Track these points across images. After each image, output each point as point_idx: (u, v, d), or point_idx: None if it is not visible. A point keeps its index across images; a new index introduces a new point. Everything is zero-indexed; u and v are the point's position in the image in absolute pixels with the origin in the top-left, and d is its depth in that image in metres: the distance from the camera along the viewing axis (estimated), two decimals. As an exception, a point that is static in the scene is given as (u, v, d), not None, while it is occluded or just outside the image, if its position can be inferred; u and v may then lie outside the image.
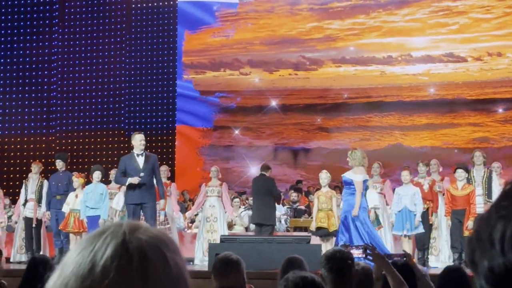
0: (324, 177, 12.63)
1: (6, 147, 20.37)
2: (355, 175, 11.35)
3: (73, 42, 21.74)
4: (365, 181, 11.54)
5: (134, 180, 10.78)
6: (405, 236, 12.14)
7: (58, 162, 13.57)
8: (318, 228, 12.23)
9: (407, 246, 11.95)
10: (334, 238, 11.96)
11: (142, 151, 11.06)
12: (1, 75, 20.62)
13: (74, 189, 12.84)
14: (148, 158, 11.10)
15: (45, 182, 13.53)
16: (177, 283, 1.22)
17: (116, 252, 1.19)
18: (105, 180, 13.49)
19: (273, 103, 22.32)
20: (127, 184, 11.00)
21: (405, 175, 12.43)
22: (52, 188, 13.29)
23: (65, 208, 12.70)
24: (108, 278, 1.16)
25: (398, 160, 17.47)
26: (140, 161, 11.01)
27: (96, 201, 12.36)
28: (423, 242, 12.37)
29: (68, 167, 14.06)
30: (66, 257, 1.24)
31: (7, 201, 16.06)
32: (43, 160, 16.27)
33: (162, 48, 22.25)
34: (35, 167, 13.75)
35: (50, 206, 13.25)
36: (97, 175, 12.73)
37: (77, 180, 12.84)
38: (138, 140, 11.13)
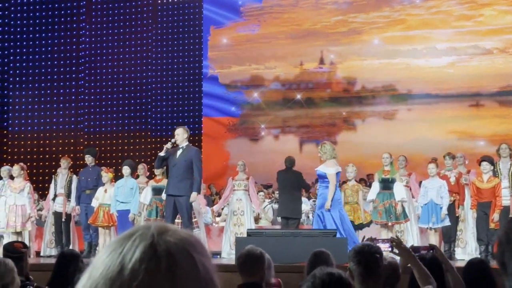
0: (351, 170, 12.64)
1: (35, 142, 20.50)
2: (328, 168, 11.42)
3: (100, 38, 21.86)
4: (338, 174, 11.57)
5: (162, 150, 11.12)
6: (431, 229, 12.08)
7: (88, 157, 13.67)
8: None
9: (434, 239, 11.90)
10: (360, 231, 11.96)
11: (182, 144, 11.14)
12: (30, 71, 20.76)
13: (103, 184, 12.93)
14: (187, 151, 11.17)
15: (74, 177, 13.60)
16: (206, 285, 1.22)
17: (144, 254, 1.19)
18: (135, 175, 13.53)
19: (298, 96, 22.31)
20: (159, 158, 11.29)
21: (431, 167, 12.35)
22: (82, 182, 13.39)
23: (94, 203, 12.79)
24: (136, 281, 1.17)
25: (423, 153, 17.36)
26: (178, 153, 11.11)
27: (127, 195, 12.47)
28: (449, 235, 12.29)
29: (97, 162, 14.08)
30: (95, 259, 1.25)
31: (36, 195, 16.16)
32: (71, 155, 16.34)
33: (188, 43, 22.31)
34: (64, 162, 13.81)
35: (80, 200, 13.35)
36: (126, 170, 12.81)
37: (106, 175, 12.93)
38: (175, 133, 11.26)
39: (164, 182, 12.28)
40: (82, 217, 13.37)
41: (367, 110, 21.65)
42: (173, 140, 11.20)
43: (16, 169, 13.18)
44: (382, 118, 21.51)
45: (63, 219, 13.40)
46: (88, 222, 12.90)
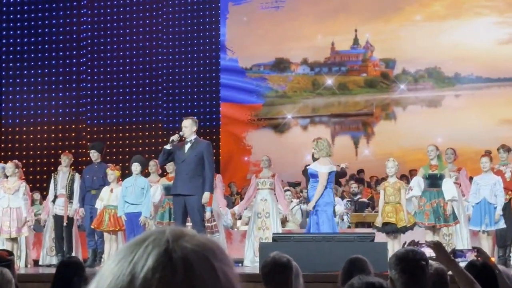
0: (391, 165, 12.47)
1: (31, 136, 20.48)
2: (321, 166, 11.40)
3: (104, 24, 21.88)
4: (331, 173, 11.54)
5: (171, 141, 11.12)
6: (484, 232, 11.98)
7: (93, 152, 13.44)
8: (385, 224, 12.11)
9: (486, 244, 11.78)
10: (402, 235, 11.89)
11: (190, 137, 11.05)
12: (25, 56, 20.76)
13: (109, 183, 12.74)
14: (196, 145, 11.04)
15: (77, 176, 13.44)
16: None
17: (158, 262, 1.20)
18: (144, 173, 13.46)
19: (329, 81, 22.30)
20: (164, 152, 11.23)
21: (484, 161, 12.18)
22: (86, 182, 13.19)
23: (99, 204, 12.55)
24: (150, 291, 1.18)
25: (474, 145, 17.29)
26: (187, 147, 11.06)
27: (137, 196, 12.11)
28: (504, 239, 12.13)
29: (103, 158, 13.93)
30: (102, 268, 1.26)
31: (37, 195, 16.15)
32: (73, 151, 16.34)
33: (204, 22, 22.31)
34: (65, 159, 13.63)
35: (84, 202, 13.14)
36: (135, 167, 12.43)
37: (112, 172, 12.63)
38: (183, 125, 11.18)
39: None
40: (86, 220, 13.20)
41: (409, 96, 21.62)
42: (181, 133, 11.08)
43: (9, 166, 13.14)
44: (426, 106, 21.48)
45: (64, 224, 13.29)
46: (92, 226, 12.73)
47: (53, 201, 13.48)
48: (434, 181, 12.27)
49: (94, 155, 13.48)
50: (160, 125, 21.52)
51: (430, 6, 21.55)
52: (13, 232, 12.66)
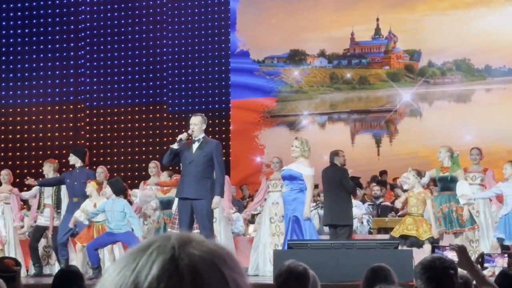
0: (412, 173, 12.42)
1: (26, 118, 20.31)
2: (305, 168, 11.39)
3: (104, 7, 21.95)
4: (313, 176, 11.57)
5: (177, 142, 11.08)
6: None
7: (71, 156, 13.16)
8: (404, 236, 12.06)
9: None
10: (427, 246, 11.84)
11: (199, 137, 11.02)
12: (19, 40, 20.71)
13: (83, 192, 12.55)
14: (204, 145, 11.00)
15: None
16: None
17: (163, 271, 1.20)
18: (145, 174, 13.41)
19: (348, 75, 22.33)
20: (170, 152, 11.15)
21: (507, 168, 12.10)
22: (68, 187, 12.97)
23: (81, 217, 12.29)
24: (155, 302, 1.18)
25: (506, 144, 17.26)
26: (194, 147, 11.02)
27: (118, 220, 11.96)
28: None
29: (87, 164, 13.55)
30: (104, 276, 1.26)
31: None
32: (70, 134, 16.24)
33: (212, 11, 22.35)
34: (49, 167, 13.56)
35: (67, 210, 12.91)
36: (110, 190, 12.16)
37: (89, 185, 12.44)
38: (191, 122, 11.13)
39: (172, 192, 12.25)
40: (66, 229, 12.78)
41: (436, 91, 21.62)
42: (189, 131, 10.99)
43: (4, 174, 13.33)
44: (454, 101, 21.47)
45: (49, 235, 13.32)
46: (75, 239, 12.55)
47: (41, 210, 13.43)
48: (445, 184, 12.26)
49: (71, 159, 13.17)
50: (165, 115, 21.54)
51: (455, -5, 21.56)
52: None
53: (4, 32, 20.64)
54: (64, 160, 14.21)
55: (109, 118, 21.34)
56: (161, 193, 13.06)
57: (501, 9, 21.17)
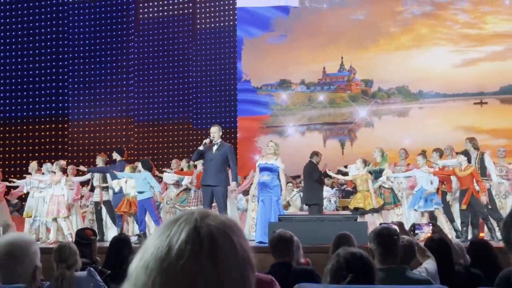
0: (359, 166, 12.49)
1: (92, 128, 20.16)
2: (280, 164, 11.31)
3: (147, 49, 21.84)
4: None
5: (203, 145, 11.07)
6: (416, 211, 11.86)
7: (114, 154, 13.39)
8: (356, 208, 12.12)
9: (443, 219, 11.61)
10: (373, 215, 11.87)
11: (217, 141, 11.09)
12: (87, 73, 20.47)
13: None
14: (221, 147, 11.06)
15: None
16: (243, 263, 1.22)
17: (189, 236, 1.19)
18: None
19: (321, 97, 22.28)
20: (198, 152, 11.19)
21: (420, 159, 12.13)
22: (111, 174, 12.92)
23: (116, 187, 12.61)
24: (182, 259, 1.17)
25: (434, 147, 17.22)
26: (214, 148, 11.03)
27: (141, 185, 12.00)
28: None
29: (124, 158, 13.54)
30: (147, 241, 1.25)
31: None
32: (124, 146, 16.19)
33: (225, 52, 22.27)
34: (99, 159, 13.58)
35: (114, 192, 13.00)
36: (140, 166, 12.36)
37: (126, 168, 12.53)
38: (211, 131, 11.21)
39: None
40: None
41: (383, 108, 21.57)
42: (211, 137, 11.06)
43: (70, 168, 13.34)
44: (396, 116, 21.42)
45: (98, 208, 13.24)
46: (116, 211, 12.61)
47: (92, 190, 13.46)
48: (376, 175, 12.33)
49: (114, 155, 13.38)
50: (191, 131, 21.47)
51: (398, 38, 21.52)
52: (54, 214, 12.57)
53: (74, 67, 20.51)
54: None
55: (151, 129, 21.22)
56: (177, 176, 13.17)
57: (429, 50, 21.16)
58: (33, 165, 13.58)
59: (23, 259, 3.08)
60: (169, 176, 13.44)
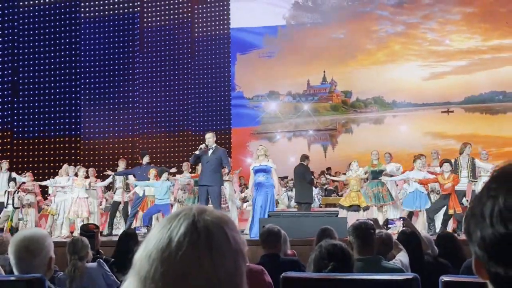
0: (355, 168, 12.43)
1: (101, 141, 20.06)
2: (273, 164, 11.33)
3: (151, 64, 21.79)
4: None
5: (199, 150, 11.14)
6: (420, 210, 11.83)
7: (145, 157, 13.32)
8: (351, 206, 12.11)
9: (421, 218, 11.59)
10: (363, 212, 11.83)
11: (212, 146, 11.12)
12: (97, 91, 20.41)
13: (148, 178, 12.50)
14: (216, 151, 11.07)
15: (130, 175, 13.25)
16: (236, 254, 1.22)
17: (187, 230, 1.19)
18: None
19: (306, 107, 22.30)
20: (195, 156, 11.27)
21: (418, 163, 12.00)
22: (138, 176, 12.90)
23: (140, 192, 12.56)
24: (181, 250, 1.17)
25: (406, 150, 17.23)
26: (210, 152, 11.04)
27: (162, 194, 12.05)
28: (429, 215, 11.87)
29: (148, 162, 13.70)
30: (149, 233, 1.26)
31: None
32: (130, 156, 16.19)
33: (219, 67, 22.22)
34: (121, 163, 13.75)
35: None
36: (164, 176, 12.30)
37: (151, 172, 12.50)
38: (206, 138, 11.24)
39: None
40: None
41: (361, 117, 21.61)
42: (206, 143, 11.10)
43: (92, 173, 13.30)
44: (373, 123, 21.46)
45: (121, 207, 13.29)
46: (139, 209, 12.56)
47: (114, 191, 13.45)
48: (375, 175, 12.18)
49: (144, 159, 13.29)
50: (190, 133, 21.41)
51: (374, 54, 21.58)
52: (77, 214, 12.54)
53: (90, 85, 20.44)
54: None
55: (154, 140, 21.14)
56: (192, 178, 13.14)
57: (402, 65, 21.23)
58: (64, 168, 13.57)
59: (39, 252, 3.09)
60: (183, 180, 13.33)
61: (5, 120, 16.94)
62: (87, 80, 19.83)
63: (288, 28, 22.70)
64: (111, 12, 20.08)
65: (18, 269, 3.10)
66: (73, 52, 18.33)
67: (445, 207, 11.03)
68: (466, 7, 20.74)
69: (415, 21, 21.23)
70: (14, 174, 13.37)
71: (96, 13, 20.03)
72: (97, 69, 20.30)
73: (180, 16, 21.73)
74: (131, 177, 12.92)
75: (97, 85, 20.21)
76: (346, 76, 21.84)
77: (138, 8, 20.34)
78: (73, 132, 18.29)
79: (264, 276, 4.41)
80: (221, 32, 22.26)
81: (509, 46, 20.14)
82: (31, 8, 17.94)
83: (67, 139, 18.17)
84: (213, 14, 22.32)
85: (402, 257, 4.98)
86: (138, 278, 1.19)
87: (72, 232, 12.21)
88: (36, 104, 18.13)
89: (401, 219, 6.37)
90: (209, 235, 1.20)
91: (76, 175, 12.88)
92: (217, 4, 22.28)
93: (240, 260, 1.24)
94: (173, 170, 13.45)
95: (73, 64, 18.36)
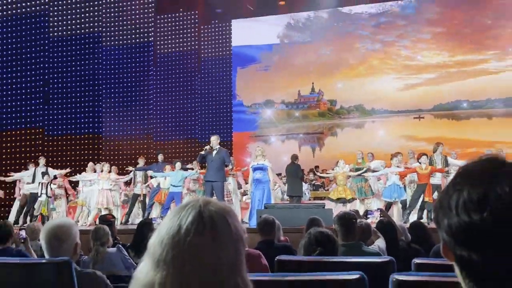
0: (342, 165, 12.47)
1: (121, 142, 19.94)
2: (269, 163, 11.37)
3: (165, 77, 21.75)
4: None
5: (203, 151, 11.13)
6: (395, 201, 11.78)
7: (160, 156, 13.44)
8: (338, 198, 12.12)
9: (396, 208, 11.58)
10: (348, 204, 11.83)
11: (216, 147, 11.11)
12: (117, 104, 20.31)
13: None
14: (220, 151, 11.07)
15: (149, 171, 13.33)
16: (236, 240, 1.22)
17: (194, 219, 1.19)
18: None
19: (297, 114, 22.30)
20: (200, 155, 11.28)
21: (394, 160, 12.01)
22: (155, 171, 12.97)
23: (155, 184, 12.66)
24: (189, 236, 1.17)
25: (383, 150, 17.24)
26: (214, 153, 11.04)
27: (177, 181, 12.10)
28: (405, 206, 11.68)
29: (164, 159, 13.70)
30: (162, 221, 1.26)
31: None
32: (145, 156, 16.13)
33: (222, 79, 22.24)
34: (141, 160, 13.75)
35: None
36: (178, 166, 12.40)
37: (166, 168, 12.61)
38: (211, 140, 11.25)
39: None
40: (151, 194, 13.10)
41: (344, 122, 21.62)
42: (210, 145, 11.12)
43: (113, 170, 13.26)
44: (355, 128, 21.47)
45: (141, 199, 13.27)
46: (154, 200, 12.63)
47: (135, 185, 13.42)
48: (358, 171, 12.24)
49: (158, 157, 13.41)
50: (196, 139, 21.37)
51: (356, 68, 21.59)
52: (104, 204, 12.57)
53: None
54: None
55: (166, 142, 21.07)
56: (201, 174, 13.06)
57: (379, 77, 21.24)
58: (90, 165, 13.57)
59: (67, 239, 3.09)
60: (194, 175, 13.31)
61: (38, 118, 16.92)
62: (108, 90, 19.78)
63: (282, 46, 22.71)
64: (129, 41, 20.07)
65: (48, 253, 3.10)
66: (95, 72, 18.27)
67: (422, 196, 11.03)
68: (435, 27, 20.78)
69: (391, 40, 21.26)
70: (49, 169, 13.37)
71: (117, 41, 20.03)
72: (117, 81, 20.27)
73: (189, 36, 21.72)
74: (150, 171, 12.97)
75: (117, 95, 20.16)
76: (332, 87, 21.87)
77: (151, 26, 20.31)
78: (95, 132, 18.19)
79: (261, 259, 4.41)
80: (224, 49, 22.27)
81: (472, 61, 20.18)
82: (61, 38, 18.06)
83: (90, 141, 18.11)
84: (216, 33, 22.35)
85: (379, 243, 4.98)
86: (152, 260, 1.19)
87: (95, 222, 12.21)
88: (64, 110, 18.09)
89: (379, 210, 6.37)
90: (213, 223, 1.20)
91: (101, 170, 12.95)
92: (220, 25, 22.30)
93: (240, 245, 1.24)
94: (189, 166, 13.46)
95: (96, 77, 18.30)
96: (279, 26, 22.62)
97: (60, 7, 17.97)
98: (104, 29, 18.86)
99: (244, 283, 1.21)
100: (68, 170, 13.68)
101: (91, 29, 18.03)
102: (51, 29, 17.51)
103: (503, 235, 0.96)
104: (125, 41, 20.04)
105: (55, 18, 17.90)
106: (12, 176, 13.68)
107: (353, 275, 2.49)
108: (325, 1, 21.18)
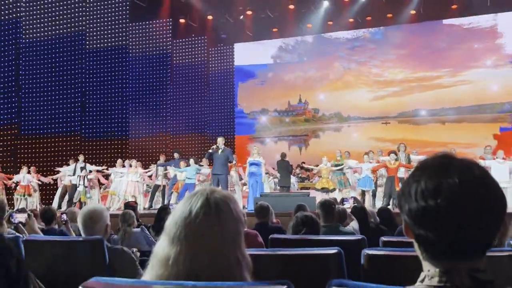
0: (325, 162, 12.47)
1: (142, 142, 19.87)
2: (263, 160, 11.42)
3: (180, 88, 21.64)
4: None
5: (211, 150, 11.06)
6: (368, 190, 11.75)
7: (175, 153, 13.40)
8: (323, 188, 12.12)
9: (367, 196, 11.56)
10: (330, 193, 11.81)
11: (221, 147, 11.10)
12: (140, 110, 20.17)
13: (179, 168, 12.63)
14: (224, 150, 11.08)
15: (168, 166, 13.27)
16: (237, 221, 1.22)
17: (202, 204, 1.20)
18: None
19: (287, 120, 22.28)
20: (208, 153, 11.28)
21: (365, 157, 12.00)
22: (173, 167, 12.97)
23: (172, 174, 12.62)
24: (198, 218, 1.17)
25: (357, 149, 17.23)
26: (220, 151, 11.01)
27: (190, 174, 12.11)
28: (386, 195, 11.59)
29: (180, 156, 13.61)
30: (176, 207, 1.26)
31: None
32: (164, 153, 16.03)
33: (226, 91, 22.22)
34: (162, 158, 13.74)
35: (172, 177, 12.98)
36: (192, 162, 12.46)
37: (181, 164, 12.62)
38: (218, 141, 11.22)
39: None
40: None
41: (325, 126, 21.62)
42: (217, 145, 11.13)
43: (139, 165, 13.26)
44: (334, 131, 21.47)
45: (161, 189, 13.23)
46: (173, 190, 12.66)
47: (157, 178, 13.37)
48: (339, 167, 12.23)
49: (175, 154, 13.37)
50: (207, 140, 21.27)
51: (335, 83, 21.57)
52: (131, 193, 12.54)
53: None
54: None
55: (182, 139, 20.94)
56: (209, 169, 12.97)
57: (354, 90, 21.22)
58: (119, 162, 13.55)
59: (99, 221, 3.09)
60: (206, 171, 13.27)
61: (75, 123, 16.78)
62: (134, 100, 19.69)
63: (275, 65, 22.71)
64: (151, 53, 20.01)
65: (84, 233, 3.10)
66: (123, 82, 18.18)
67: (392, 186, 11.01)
68: (399, 50, 20.79)
69: (364, 60, 21.27)
70: (87, 165, 13.34)
71: (141, 54, 19.95)
72: (142, 93, 20.16)
73: (199, 56, 21.68)
74: (169, 166, 12.94)
75: (141, 103, 20.04)
76: (315, 98, 21.87)
77: (169, 48, 20.26)
78: (123, 134, 18.11)
79: (258, 238, 4.41)
80: (228, 66, 22.28)
81: (429, 77, 20.22)
82: (95, 50, 17.92)
83: (118, 141, 18.03)
84: (222, 54, 22.33)
85: (354, 225, 4.98)
86: (168, 238, 1.19)
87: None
88: (100, 116, 17.98)
89: (353, 198, 6.36)
90: (218, 208, 1.20)
91: (130, 165, 12.98)
92: (225, 47, 22.31)
93: (240, 226, 1.24)
94: (203, 163, 13.48)
95: (124, 85, 18.17)
96: (273, 48, 22.62)
97: (95, 24, 17.84)
98: (130, 42, 18.74)
99: (243, 256, 1.21)
100: (104, 167, 13.69)
101: (121, 42, 17.92)
102: (87, 44, 17.40)
103: (453, 217, 0.96)
104: (146, 53, 19.99)
105: (91, 34, 17.74)
106: (59, 171, 13.92)
107: (332, 250, 2.51)
108: (310, 28, 21.19)
